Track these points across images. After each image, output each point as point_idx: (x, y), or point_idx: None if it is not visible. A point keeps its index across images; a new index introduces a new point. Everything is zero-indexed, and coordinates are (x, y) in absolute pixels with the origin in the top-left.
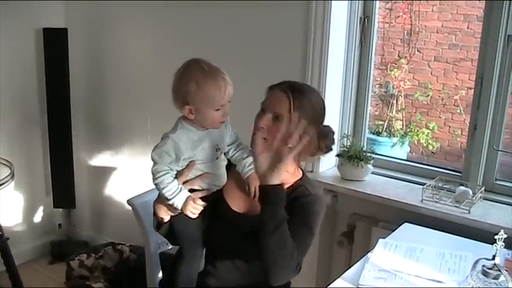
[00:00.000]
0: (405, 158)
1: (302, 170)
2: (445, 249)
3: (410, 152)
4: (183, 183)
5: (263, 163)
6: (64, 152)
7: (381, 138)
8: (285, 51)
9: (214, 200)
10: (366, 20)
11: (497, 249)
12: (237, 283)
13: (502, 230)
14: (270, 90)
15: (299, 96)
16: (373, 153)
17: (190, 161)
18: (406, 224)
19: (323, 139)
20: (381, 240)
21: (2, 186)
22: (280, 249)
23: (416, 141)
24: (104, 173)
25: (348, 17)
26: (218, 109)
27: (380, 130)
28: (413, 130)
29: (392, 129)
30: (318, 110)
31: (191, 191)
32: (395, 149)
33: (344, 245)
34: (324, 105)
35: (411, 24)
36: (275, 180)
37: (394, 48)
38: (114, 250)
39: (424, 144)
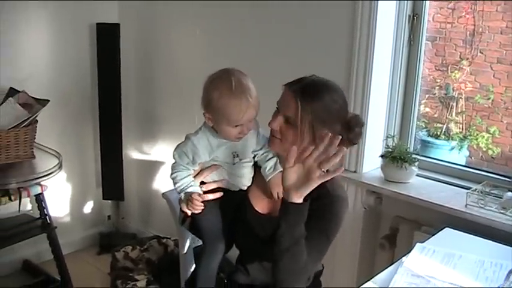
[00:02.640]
0: (464, 162)
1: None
2: (485, 257)
3: (469, 156)
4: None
5: (291, 178)
6: (114, 145)
7: (439, 141)
8: (330, 49)
9: (239, 201)
10: (415, 18)
11: None
12: (265, 281)
13: None
14: (284, 88)
15: (309, 100)
16: (418, 154)
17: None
18: (447, 229)
19: (346, 133)
20: (418, 244)
21: (50, 175)
22: (292, 265)
23: (475, 146)
24: (152, 167)
25: (396, 14)
26: (236, 126)
27: (438, 133)
28: (472, 134)
29: (451, 133)
30: (333, 110)
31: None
32: (453, 153)
33: (385, 248)
34: (344, 100)
35: (474, 25)
36: (297, 199)
37: (455, 49)
38: (159, 243)
39: (484, 149)
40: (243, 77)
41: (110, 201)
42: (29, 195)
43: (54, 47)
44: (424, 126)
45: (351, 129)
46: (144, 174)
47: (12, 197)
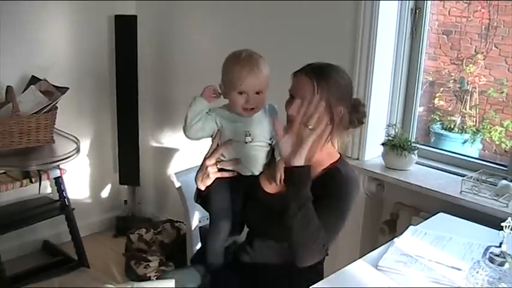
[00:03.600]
0: (477, 155)
1: (340, 153)
2: (474, 240)
3: (482, 149)
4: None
5: (286, 146)
6: (131, 132)
7: (452, 135)
8: (334, 40)
9: (250, 185)
10: (417, 12)
11: (504, 237)
12: (269, 261)
13: (509, 218)
14: (294, 76)
15: (324, 79)
16: (417, 143)
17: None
18: (441, 214)
19: (355, 113)
20: (411, 227)
21: (68, 159)
22: (303, 229)
23: (488, 139)
24: (167, 153)
25: (399, 8)
26: (241, 93)
27: (452, 126)
28: (485, 127)
29: (465, 126)
30: (344, 87)
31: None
32: (466, 146)
33: (385, 232)
34: (350, 81)
35: (489, 19)
36: (298, 162)
37: (471, 43)
38: (172, 227)
39: (497, 142)
40: (256, 55)
41: (126, 186)
42: (48, 178)
43: (74, 37)
44: (438, 119)
45: (357, 110)
46: (159, 160)
47: (33, 179)
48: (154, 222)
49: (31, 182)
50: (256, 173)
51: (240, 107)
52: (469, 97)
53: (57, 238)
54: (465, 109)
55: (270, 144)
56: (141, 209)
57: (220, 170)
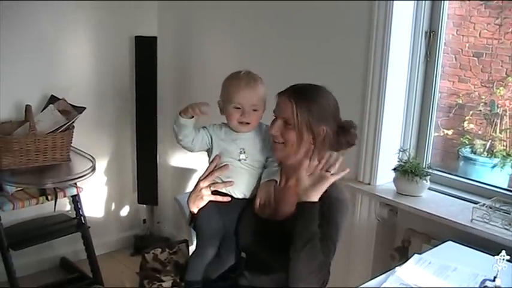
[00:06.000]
0: (507, 180)
1: None
2: (480, 271)
3: None
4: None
5: (306, 181)
6: (149, 152)
7: (482, 159)
8: (345, 66)
9: (244, 207)
10: (431, 35)
11: (498, 270)
12: (265, 285)
13: (503, 251)
14: (278, 97)
15: (303, 100)
16: (430, 168)
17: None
18: (449, 242)
19: (343, 135)
20: (415, 255)
21: (83, 178)
22: (307, 264)
23: None
24: (185, 173)
25: (413, 31)
26: (237, 108)
27: (482, 150)
28: None
29: (495, 150)
30: (327, 108)
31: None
32: (495, 171)
33: (396, 259)
34: (336, 102)
35: None
36: (313, 198)
37: (501, 66)
38: (187, 247)
39: None
40: (255, 75)
41: (145, 206)
42: (65, 196)
43: (95, 57)
44: (467, 142)
45: (348, 132)
46: (178, 180)
47: (49, 197)
48: (170, 242)
49: (47, 199)
50: (248, 196)
51: (235, 121)
52: (499, 120)
53: (75, 255)
54: (495, 133)
55: (264, 166)
56: (160, 228)
57: (214, 193)
